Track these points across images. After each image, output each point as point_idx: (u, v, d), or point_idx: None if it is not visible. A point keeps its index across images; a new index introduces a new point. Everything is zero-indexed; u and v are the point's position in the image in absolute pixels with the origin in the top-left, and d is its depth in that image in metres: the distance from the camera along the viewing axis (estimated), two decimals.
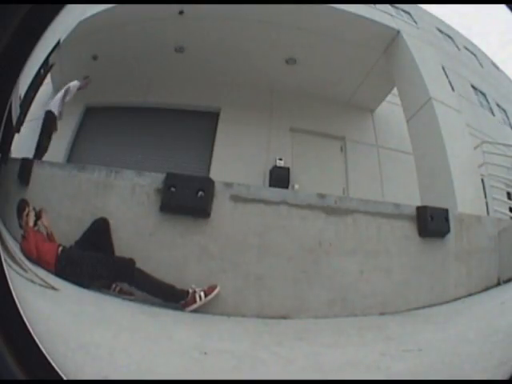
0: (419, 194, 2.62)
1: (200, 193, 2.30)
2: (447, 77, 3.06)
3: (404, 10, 3.10)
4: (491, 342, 1.77)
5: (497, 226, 2.60)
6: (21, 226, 2.16)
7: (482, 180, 2.78)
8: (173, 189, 2.30)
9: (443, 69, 3.08)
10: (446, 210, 2.50)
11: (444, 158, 2.73)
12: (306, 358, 1.82)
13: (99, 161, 2.70)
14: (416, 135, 2.83)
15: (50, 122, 2.49)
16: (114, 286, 2.08)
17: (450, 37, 3.30)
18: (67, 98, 2.48)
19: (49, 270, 2.08)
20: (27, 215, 2.17)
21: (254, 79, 2.95)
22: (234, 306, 2.22)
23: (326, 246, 2.36)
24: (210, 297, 2.12)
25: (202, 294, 2.12)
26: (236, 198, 2.36)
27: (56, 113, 2.49)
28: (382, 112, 3.08)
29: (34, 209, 2.16)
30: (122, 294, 2.08)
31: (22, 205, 2.18)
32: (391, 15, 3.03)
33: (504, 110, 3.07)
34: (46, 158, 2.47)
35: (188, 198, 2.30)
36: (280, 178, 2.76)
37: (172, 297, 2.11)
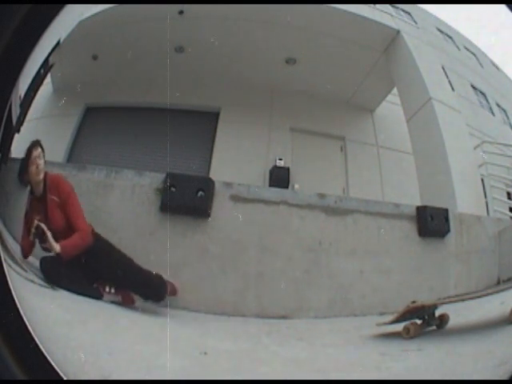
0: (419, 194, 2.61)
1: (200, 193, 2.30)
2: (447, 77, 3.06)
3: (404, 10, 3.09)
4: (491, 342, 1.77)
5: (497, 226, 2.60)
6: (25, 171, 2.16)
7: (482, 180, 2.77)
8: (173, 189, 2.31)
9: (443, 69, 3.08)
10: (446, 210, 2.49)
11: (444, 158, 2.73)
12: (306, 357, 1.82)
13: (99, 161, 2.69)
14: (416, 135, 2.83)
15: None
16: (107, 288, 2.08)
17: (450, 37, 3.30)
18: None
19: None
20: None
21: (254, 79, 2.94)
22: (233, 305, 2.22)
23: (326, 245, 2.36)
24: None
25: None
26: (236, 198, 2.36)
27: None
28: (382, 112, 3.08)
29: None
30: (124, 301, 2.08)
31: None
32: (391, 15, 3.03)
33: (504, 110, 3.06)
34: (46, 157, 2.47)
35: (188, 198, 2.30)
36: (280, 177, 2.76)
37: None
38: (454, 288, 2.44)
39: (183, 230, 2.29)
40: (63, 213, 2.18)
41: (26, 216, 2.18)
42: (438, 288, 2.40)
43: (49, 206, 2.17)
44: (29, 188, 2.22)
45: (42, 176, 2.20)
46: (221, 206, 2.33)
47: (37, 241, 2.12)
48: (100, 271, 2.09)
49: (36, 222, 2.10)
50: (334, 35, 2.94)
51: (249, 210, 2.38)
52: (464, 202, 2.64)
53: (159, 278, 2.05)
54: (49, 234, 2.09)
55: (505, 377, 1.26)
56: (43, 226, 2.09)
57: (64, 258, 2.08)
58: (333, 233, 2.40)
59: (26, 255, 2.08)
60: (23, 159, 2.17)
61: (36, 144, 2.21)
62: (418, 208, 2.48)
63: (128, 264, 2.11)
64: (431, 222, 2.47)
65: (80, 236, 2.16)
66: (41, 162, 2.20)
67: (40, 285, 1.97)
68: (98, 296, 2.06)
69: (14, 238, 1.95)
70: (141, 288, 2.08)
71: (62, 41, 2.11)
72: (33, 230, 2.09)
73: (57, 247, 2.08)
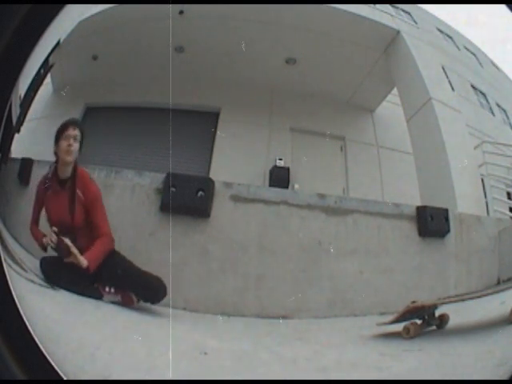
0: (419, 194, 2.62)
1: (200, 193, 2.30)
2: (447, 77, 3.06)
3: (404, 10, 3.10)
4: (491, 342, 1.77)
5: (497, 226, 2.60)
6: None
7: (482, 180, 2.78)
8: (173, 189, 2.31)
9: (443, 69, 3.08)
10: (446, 210, 2.50)
11: (444, 157, 2.73)
12: (306, 358, 1.82)
13: (99, 161, 2.69)
14: (416, 135, 2.83)
15: None
16: (107, 288, 2.07)
17: (450, 37, 3.30)
18: None
19: None
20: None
21: (254, 79, 2.94)
22: (233, 306, 2.22)
23: (326, 245, 2.36)
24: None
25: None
26: (236, 198, 2.36)
27: None
28: (382, 112, 3.08)
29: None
30: (124, 302, 2.07)
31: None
32: (391, 15, 3.03)
33: (504, 110, 3.07)
34: (45, 158, 2.47)
35: (188, 198, 2.30)
36: (280, 177, 2.76)
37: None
38: (454, 288, 2.44)
39: (183, 230, 2.29)
40: (84, 211, 2.11)
41: (38, 194, 2.13)
42: (438, 288, 2.40)
43: (74, 198, 2.11)
44: (52, 166, 2.16)
45: (71, 159, 2.13)
46: (221, 205, 2.33)
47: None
48: (100, 272, 2.08)
49: (54, 234, 2.01)
50: (334, 35, 2.94)
51: (249, 210, 2.38)
52: (464, 202, 2.64)
53: (158, 280, 2.03)
54: (75, 250, 2.01)
55: (505, 377, 1.26)
56: (68, 241, 2.01)
57: (90, 271, 2.03)
58: (333, 233, 2.40)
59: (39, 241, 2.05)
60: (58, 130, 2.13)
61: (75, 124, 2.16)
62: (418, 208, 2.48)
63: (128, 266, 2.09)
64: (431, 222, 2.47)
65: (102, 243, 2.10)
66: (75, 144, 2.13)
67: (40, 285, 1.97)
68: (97, 296, 2.05)
69: (14, 238, 1.95)
70: (140, 290, 2.07)
71: (62, 41, 2.12)
72: (52, 245, 2.01)
73: (84, 262, 2.01)
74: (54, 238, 2.02)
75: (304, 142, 2.94)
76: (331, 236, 2.39)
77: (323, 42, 2.95)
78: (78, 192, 2.12)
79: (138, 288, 2.05)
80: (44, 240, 2.04)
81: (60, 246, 2.01)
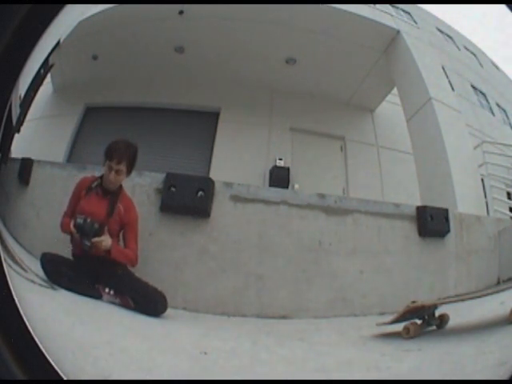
0: (419, 194, 2.61)
1: (200, 193, 2.31)
2: (447, 77, 3.06)
3: (404, 10, 3.10)
4: (491, 342, 1.77)
5: (497, 226, 2.60)
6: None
7: (482, 180, 2.78)
8: (173, 189, 2.31)
9: (443, 69, 3.08)
10: (446, 210, 2.50)
11: (444, 158, 2.73)
12: (306, 357, 1.82)
13: (99, 161, 2.70)
14: (416, 135, 2.83)
15: None
16: (107, 289, 2.08)
17: (450, 37, 3.30)
18: None
19: None
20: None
21: (254, 79, 2.94)
22: (233, 306, 2.22)
23: (326, 245, 2.36)
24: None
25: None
26: (236, 198, 2.36)
27: None
28: (382, 112, 3.08)
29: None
30: (123, 305, 2.07)
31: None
32: (391, 15, 3.03)
33: (504, 110, 3.07)
34: (45, 157, 2.47)
35: (188, 198, 2.30)
36: (280, 178, 2.76)
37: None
38: (454, 288, 2.44)
39: (183, 230, 2.29)
40: (120, 224, 2.20)
41: (76, 191, 2.22)
42: (438, 288, 2.40)
43: (117, 209, 2.20)
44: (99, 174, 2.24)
45: (114, 180, 2.21)
46: (221, 205, 2.34)
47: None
48: (104, 274, 2.09)
49: (80, 216, 2.11)
50: (334, 35, 2.94)
51: (249, 210, 2.38)
52: (464, 202, 2.64)
53: (159, 293, 2.05)
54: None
55: (505, 377, 1.26)
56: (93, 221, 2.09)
57: (111, 255, 2.11)
58: (333, 233, 2.40)
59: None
60: (105, 152, 2.22)
61: (121, 158, 2.22)
62: (418, 208, 2.48)
63: (133, 277, 2.12)
64: (431, 222, 2.47)
65: (127, 252, 2.18)
66: (118, 177, 2.22)
67: (40, 285, 1.97)
68: (97, 296, 2.06)
69: (14, 238, 1.95)
70: (140, 300, 2.07)
71: (61, 41, 2.11)
72: (79, 221, 2.09)
73: (108, 241, 2.11)
74: (82, 217, 2.12)
75: (304, 141, 2.94)
76: (331, 236, 2.39)
77: (323, 41, 2.95)
78: (120, 206, 2.21)
79: (137, 297, 2.06)
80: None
81: (89, 222, 2.10)
